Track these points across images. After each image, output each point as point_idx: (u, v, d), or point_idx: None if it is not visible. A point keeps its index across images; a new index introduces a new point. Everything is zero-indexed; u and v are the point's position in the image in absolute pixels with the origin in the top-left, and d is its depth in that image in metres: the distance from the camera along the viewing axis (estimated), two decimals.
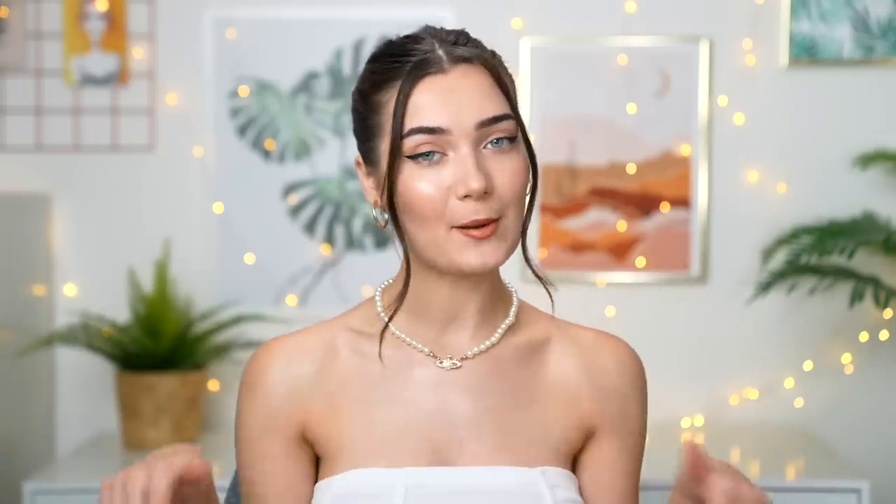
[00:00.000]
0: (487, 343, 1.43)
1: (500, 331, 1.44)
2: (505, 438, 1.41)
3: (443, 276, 1.40)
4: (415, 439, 1.39)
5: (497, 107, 1.36)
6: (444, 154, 1.34)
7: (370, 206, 1.42)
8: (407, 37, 1.40)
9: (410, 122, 1.34)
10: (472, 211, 1.33)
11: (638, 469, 1.50)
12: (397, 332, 1.43)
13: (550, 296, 1.45)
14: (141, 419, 2.67)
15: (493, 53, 1.41)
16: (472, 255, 1.34)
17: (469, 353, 1.42)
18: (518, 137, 1.37)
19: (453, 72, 1.35)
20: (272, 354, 1.43)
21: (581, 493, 1.46)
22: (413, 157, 1.34)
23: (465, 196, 1.33)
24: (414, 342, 1.42)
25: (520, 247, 1.40)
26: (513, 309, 1.46)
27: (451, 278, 1.39)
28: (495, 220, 1.34)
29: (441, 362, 1.42)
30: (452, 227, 1.34)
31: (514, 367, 1.44)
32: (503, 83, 1.38)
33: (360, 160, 1.42)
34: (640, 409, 1.49)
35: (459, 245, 1.34)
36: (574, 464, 1.48)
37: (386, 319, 1.42)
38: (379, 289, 1.46)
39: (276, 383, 1.42)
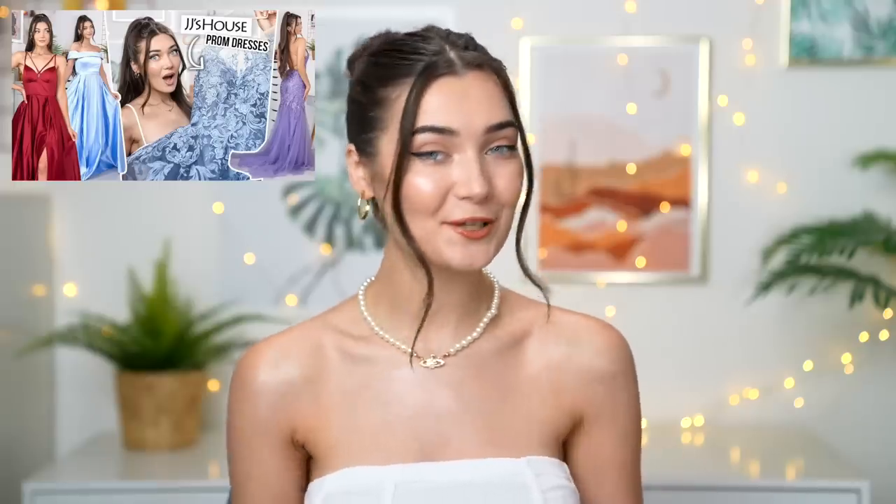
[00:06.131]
0: (469, 338, 1.45)
1: (481, 325, 1.46)
2: (489, 432, 1.43)
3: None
4: (402, 437, 1.42)
5: (504, 114, 1.38)
6: (448, 155, 1.36)
7: (358, 195, 1.43)
8: (413, 34, 1.41)
9: (421, 121, 1.35)
10: (470, 210, 1.35)
11: (635, 455, 1.50)
12: (381, 332, 1.45)
13: (548, 301, 1.46)
14: (141, 419, 2.67)
15: (499, 61, 1.42)
16: (460, 253, 1.36)
17: (451, 349, 1.44)
18: (517, 145, 1.39)
19: (467, 76, 1.37)
20: (260, 358, 1.45)
21: (578, 483, 1.47)
22: (417, 155, 1.35)
23: (465, 198, 1.34)
24: (397, 342, 1.44)
25: (514, 250, 1.42)
26: (495, 301, 1.47)
27: (434, 271, 1.40)
28: (491, 223, 1.37)
29: (424, 362, 1.44)
30: (444, 222, 1.36)
31: (496, 361, 1.45)
32: (510, 91, 1.40)
33: (353, 149, 1.43)
34: (630, 394, 1.49)
35: (449, 240, 1.36)
36: (567, 453, 1.49)
37: (370, 320, 1.45)
38: (362, 287, 1.49)
39: (265, 387, 1.44)
